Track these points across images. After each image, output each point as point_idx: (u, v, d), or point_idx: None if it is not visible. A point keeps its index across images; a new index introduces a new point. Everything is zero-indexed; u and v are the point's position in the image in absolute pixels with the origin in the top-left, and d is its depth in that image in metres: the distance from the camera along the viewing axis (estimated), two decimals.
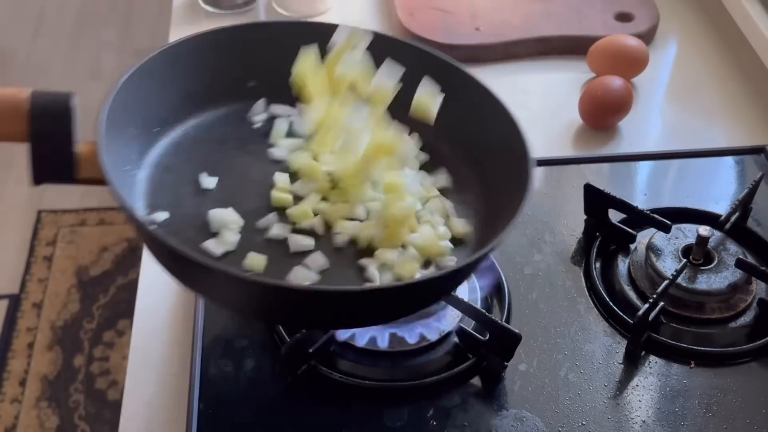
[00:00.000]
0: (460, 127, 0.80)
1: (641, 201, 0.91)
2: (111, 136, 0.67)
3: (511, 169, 0.73)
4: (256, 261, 0.69)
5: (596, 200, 0.86)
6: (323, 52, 0.78)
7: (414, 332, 0.76)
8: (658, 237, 0.84)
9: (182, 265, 0.65)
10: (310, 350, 0.73)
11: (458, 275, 0.70)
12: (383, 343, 0.75)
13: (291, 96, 0.80)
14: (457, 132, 0.80)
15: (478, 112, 0.79)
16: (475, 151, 0.79)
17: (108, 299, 1.92)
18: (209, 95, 0.80)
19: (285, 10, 1.20)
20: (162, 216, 0.72)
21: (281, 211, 0.74)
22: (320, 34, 0.80)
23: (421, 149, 0.80)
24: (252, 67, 0.81)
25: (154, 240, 0.65)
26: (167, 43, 0.77)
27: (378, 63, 0.78)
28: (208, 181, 0.75)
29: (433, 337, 0.76)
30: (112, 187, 0.63)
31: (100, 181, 0.64)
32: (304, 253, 0.71)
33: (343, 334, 0.76)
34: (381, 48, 0.80)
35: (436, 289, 0.69)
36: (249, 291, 0.64)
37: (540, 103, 1.07)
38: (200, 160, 0.77)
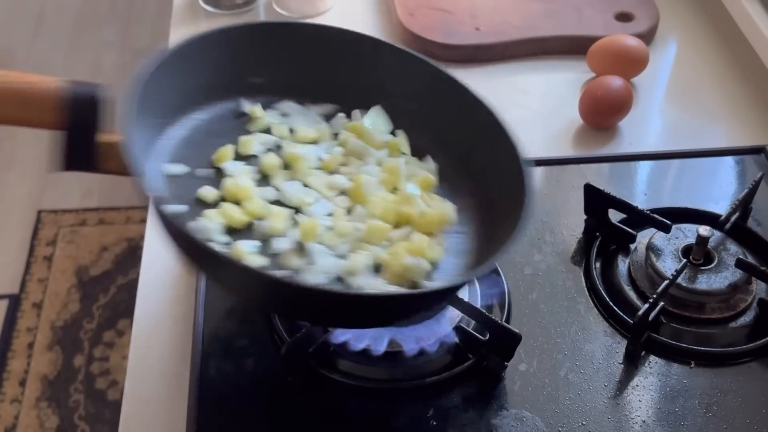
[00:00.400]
0: (458, 140, 0.81)
1: (641, 201, 0.91)
2: (138, 124, 0.68)
3: (509, 183, 0.74)
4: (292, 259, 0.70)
5: (596, 200, 0.86)
6: (331, 55, 0.81)
7: (412, 340, 0.76)
8: (658, 237, 0.84)
9: (209, 260, 0.66)
10: (310, 350, 0.73)
11: (447, 292, 0.70)
12: (382, 346, 0.75)
13: (296, 93, 0.82)
14: (454, 145, 0.81)
15: (471, 122, 0.80)
16: (471, 163, 0.80)
17: (108, 299, 1.92)
18: (217, 90, 0.81)
19: (285, 10, 1.20)
20: (179, 208, 0.72)
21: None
22: (334, 39, 0.83)
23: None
24: (261, 65, 0.82)
25: (184, 236, 0.65)
26: (185, 40, 0.77)
27: (371, 66, 0.82)
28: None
29: (432, 346, 0.76)
30: (139, 179, 0.63)
31: (120, 171, 0.66)
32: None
33: (340, 337, 0.75)
34: (380, 55, 0.82)
35: (432, 302, 0.71)
36: (278, 290, 0.65)
37: (540, 103, 1.07)
38: (207, 154, 0.77)
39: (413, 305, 0.70)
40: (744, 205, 0.88)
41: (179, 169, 0.75)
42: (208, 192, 0.74)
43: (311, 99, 0.84)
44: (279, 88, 0.83)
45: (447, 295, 0.72)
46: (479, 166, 0.80)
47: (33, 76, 0.68)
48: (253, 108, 0.81)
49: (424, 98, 0.82)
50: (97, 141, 0.68)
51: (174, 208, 0.71)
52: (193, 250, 0.67)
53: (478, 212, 0.79)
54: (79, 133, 0.67)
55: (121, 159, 0.65)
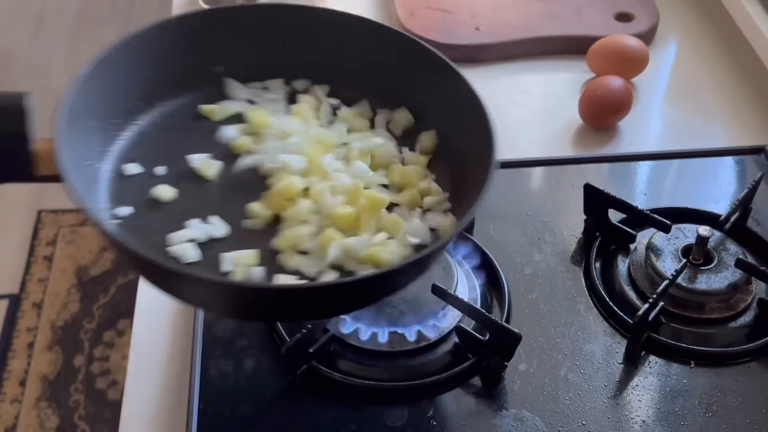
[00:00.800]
0: (436, 110, 0.78)
1: (641, 201, 0.91)
2: (71, 130, 0.67)
3: (478, 155, 0.71)
4: (245, 258, 0.68)
5: (596, 200, 0.86)
6: (286, 33, 0.79)
7: (413, 331, 0.76)
8: (658, 237, 0.84)
9: (144, 267, 0.65)
10: (310, 350, 0.73)
11: (411, 269, 0.67)
12: (383, 338, 0.75)
13: (258, 77, 0.81)
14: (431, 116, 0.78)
15: (451, 98, 0.77)
16: (448, 140, 0.77)
17: (108, 299, 1.92)
18: (174, 83, 0.79)
19: None
20: (126, 211, 0.70)
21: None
22: (276, 16, 0.80)
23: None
24: (217, 52, 0.80)
25: (112, 240, 0.65)
26: (126, 34, 0.75)
27: (342, 43, 0.79)
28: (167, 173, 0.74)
29: (432, 335, 0.76)
30: (68, 185, 0.62)
31: (60, 177, 0.64)
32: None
33: (344, 329, 0.76)
34: (352, 29, 0.79)
35: (404, 277, 0.68)
36: (214, 292, 0.64)
37: (540, 103, 1.07)
38: (164, 151, 0.75)
39: (398, 278, 0.67)
40: (744, 205, 0.88)
41: (133, 168, 0.73)
42: (163, 191, 0.72)
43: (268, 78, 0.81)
44: (236, 75, 0.81)
45: (415, 269, 0.68)
46: (443, 121, 0.77)
47: None
48: (208, 107, 0.79)
49: (387, 62, 0.79)
50: (30, 150, 0.65)
51: (120, 210, 0.70)
52: (127, 257, 0.66)
53: (447, 170, 0.76)
54: (7, 143, 0.65)
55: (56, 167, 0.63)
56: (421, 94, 0.78)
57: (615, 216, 0.87)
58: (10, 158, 0.66)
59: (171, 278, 0.64)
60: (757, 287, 0.82)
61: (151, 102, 0.78)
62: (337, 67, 0.81)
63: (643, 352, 0.78)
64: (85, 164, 0.71)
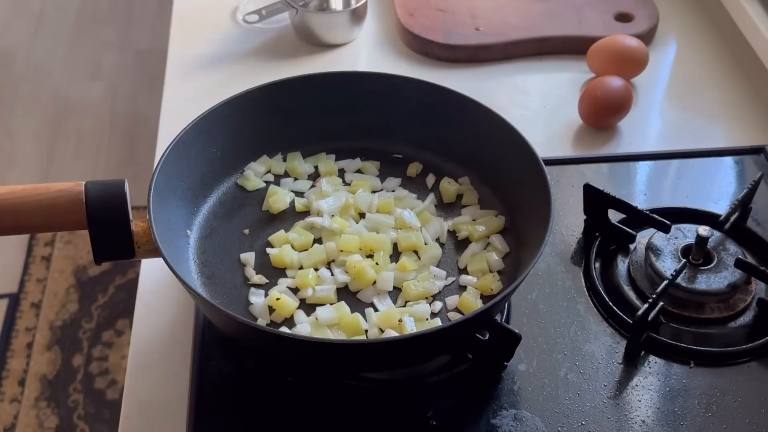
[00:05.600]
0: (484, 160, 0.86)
1: (641, 201, 0.91)
2: (161, 208, 0.74)
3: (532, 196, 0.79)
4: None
5: (596, 200, 0.86)
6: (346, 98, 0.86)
7: None
8: (657, 237, 0.84)
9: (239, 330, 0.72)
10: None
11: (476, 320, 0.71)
12: None
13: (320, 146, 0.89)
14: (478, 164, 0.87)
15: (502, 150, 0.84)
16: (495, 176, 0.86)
17: (107, 299, 1.92)
18: (246, 152, 0.87)
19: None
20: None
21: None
22: (345, 83, 0.87)
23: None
24: (286, 120, 0.87)
25: (215, 311, 0.70)
26: (201, 114, 0.82)
27: (386, 98, 0.87)
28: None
29: None
30: (166, 261, 0.69)
31: (157, 253, 0.70)
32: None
33: None
34: (388, 84, 0.87)
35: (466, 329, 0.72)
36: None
37: (540, 103, 1.07)
38: (242, 215, 0.84)
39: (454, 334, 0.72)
40: (743, 205, 0.88)
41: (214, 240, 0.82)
42: (248, 256, 0.80)
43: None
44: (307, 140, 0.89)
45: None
46: (503, 180, 0.85)
47: (53, 186, 0.70)
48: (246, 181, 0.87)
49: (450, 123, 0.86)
50: (130, 232, 0.70)
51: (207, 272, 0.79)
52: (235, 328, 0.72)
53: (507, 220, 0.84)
54: (108, 228, 0.70)
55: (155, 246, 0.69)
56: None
57: (615, 216, 0.87)
58: (113, 240, 0.71)
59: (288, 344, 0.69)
60: (757, 287, 0.82)
61: (228, 171, 0.86)
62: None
63: (643, 352, 0.78)
64: (179, 235, 0.79)
